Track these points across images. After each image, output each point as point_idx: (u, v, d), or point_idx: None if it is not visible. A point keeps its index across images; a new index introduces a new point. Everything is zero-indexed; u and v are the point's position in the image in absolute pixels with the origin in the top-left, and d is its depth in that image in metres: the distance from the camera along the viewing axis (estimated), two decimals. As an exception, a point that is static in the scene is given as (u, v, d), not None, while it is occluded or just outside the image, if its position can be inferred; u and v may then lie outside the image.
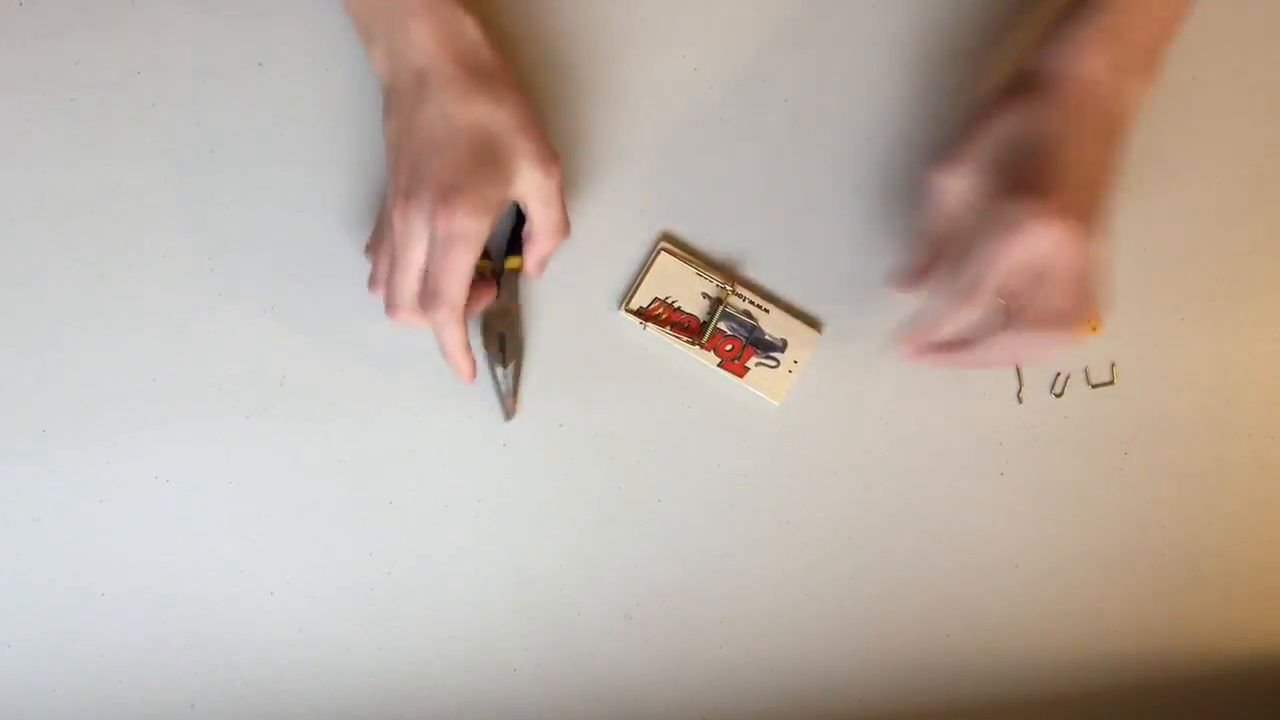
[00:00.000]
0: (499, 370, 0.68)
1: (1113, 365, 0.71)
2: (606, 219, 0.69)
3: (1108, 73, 0.61)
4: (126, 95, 0.68)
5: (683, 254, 0.69)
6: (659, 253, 0.69)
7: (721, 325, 0.69)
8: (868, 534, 0.70)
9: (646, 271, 0.69)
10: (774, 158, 0.70)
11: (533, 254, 0.65)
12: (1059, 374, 0.70)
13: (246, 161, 0.68)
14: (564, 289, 0.69)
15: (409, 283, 0.61)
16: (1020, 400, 0.70)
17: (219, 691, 0.68)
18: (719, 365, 0.69)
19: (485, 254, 0.68)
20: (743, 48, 0.70)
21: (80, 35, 0.68)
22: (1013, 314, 0.60)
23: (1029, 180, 0.58)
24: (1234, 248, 0.71)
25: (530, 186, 0.61)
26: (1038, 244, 0.57)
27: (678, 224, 0.70)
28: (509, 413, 0.68)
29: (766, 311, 0.69)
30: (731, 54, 0.70)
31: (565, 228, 0.64)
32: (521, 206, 0.63)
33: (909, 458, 0.70)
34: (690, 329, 0.69)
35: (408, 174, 0.60)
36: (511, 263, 0.68)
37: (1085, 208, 0.58)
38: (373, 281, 0.64)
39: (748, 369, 0.69)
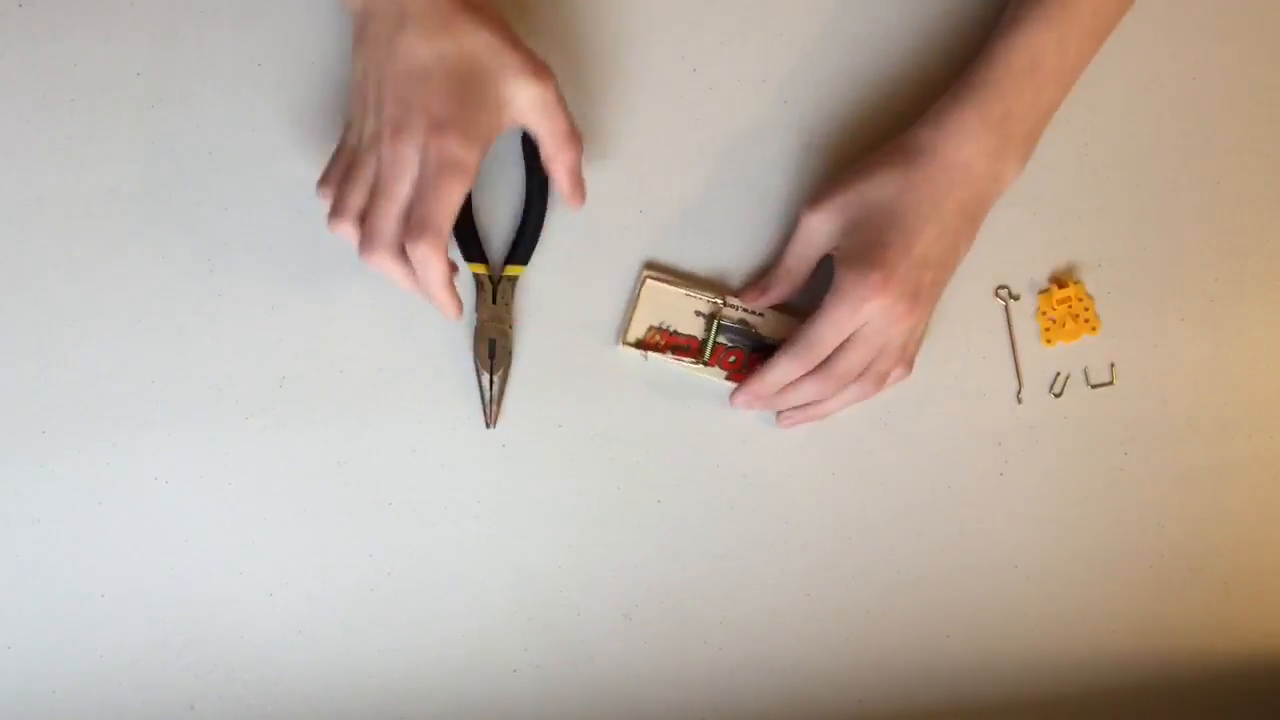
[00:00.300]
0: (485, 378, 0.68)
1: (1112, 365, 0.71)
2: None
3: (983, 157, 0.63)
4: (126, 96, 0.68)
5: (668, 278, 0.69)
6: (644, 282, 0.69)
7: (721, 339, 0.69)
8: (867, 534, 0.70)
9: (637, 303, 0.69)
10: (753, 161, 0.70)
11: (558, 171, 0.63)
12: (1059, 374, 0.71)
13: (246, 162, 0.68)
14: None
15: (392, 218, 0.58)
16: (1020, 400, 0.70)
17: (219, 692, 0.68)
18: (726, 379, 0.69)
19: (483, 259, 0.68)
20: (740, 50, 0.70)
21: (79, 36, 0.68)
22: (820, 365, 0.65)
23: (877, 255, 0.62)
24: (1234, 248, 0.71)
25: (526, 101, 0.60)
26: (867, 316, 0.62)
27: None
28: (490, 420, 0.68)
29: (761, 316, 0.69)
30: (729, 56, 0.70)
31: (577, 136, 0.63)
32: (526, 128, 0.62)
33: (908, 458, 0.70)
34: (691, 349, 0.69)
35: (394, 104, 0.58)
36: (510, 270, 0.68)
37: (920, 286, 0.63)
38: (337, 214, 0.60)
39: None
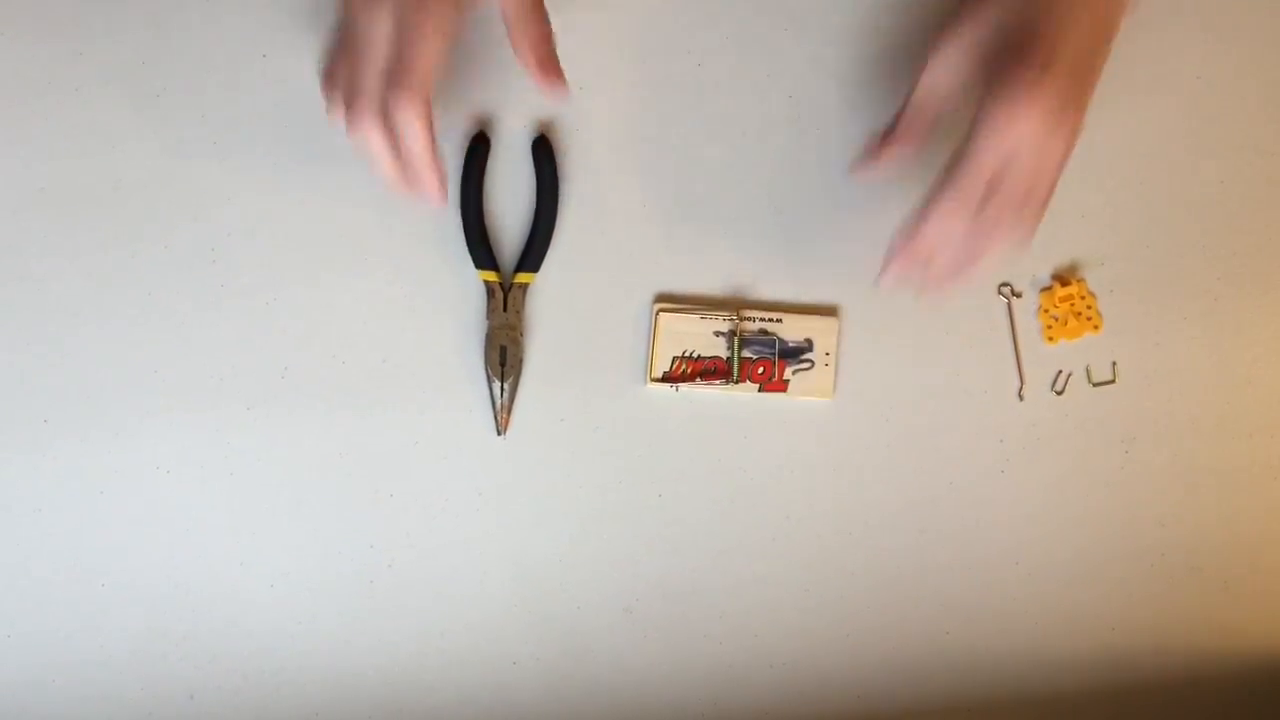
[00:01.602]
0: (496, 385, 0.68)
1: (1114, 364, 0.71)
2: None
3: None
4: (130, 86, 0.68)
5: (680, 305, 0.69)
6: (657, 315, 0.69)
7: (746, 353, 0.69)
8: (868, 531, 0.70)
9: (654, 337, 0.69)
10: (758, 154, 0.70)
11: (523, 46, 0.59)
12: (1060, 371, 0.71)
13: (249, 153, 0.68)
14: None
15: (371, 76, 0.55)
16: (1021, 398, 0.70)
17: (218, 683, 0.68)
18: (760, 390, 0.69)
19: (494, 266, 0.68)
20: (746, 45, 0.70)
21: (84, 26, 0.68)
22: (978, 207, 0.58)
23: (1018, 73, 0.56)
24: (1237, 247, 0.71)
25: None
26: (1023, 139, 0.56)
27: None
28: (501, 428, 0.68)
29: (780, 321, 0.69)
30: (734, 51, 0.70)
31: (543, 9, 0.59)
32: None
33: (910, 454, 0.70)
34: (719, 371, 0.69)
35: None
36: (521, 278, 0.68)
37: (1071, 95, 0.57)
38: (331, 106, 0.58)
39: (788, 381, 0.69)
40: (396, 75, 0.55)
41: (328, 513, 0.68)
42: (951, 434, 0.70)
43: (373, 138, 0.57)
